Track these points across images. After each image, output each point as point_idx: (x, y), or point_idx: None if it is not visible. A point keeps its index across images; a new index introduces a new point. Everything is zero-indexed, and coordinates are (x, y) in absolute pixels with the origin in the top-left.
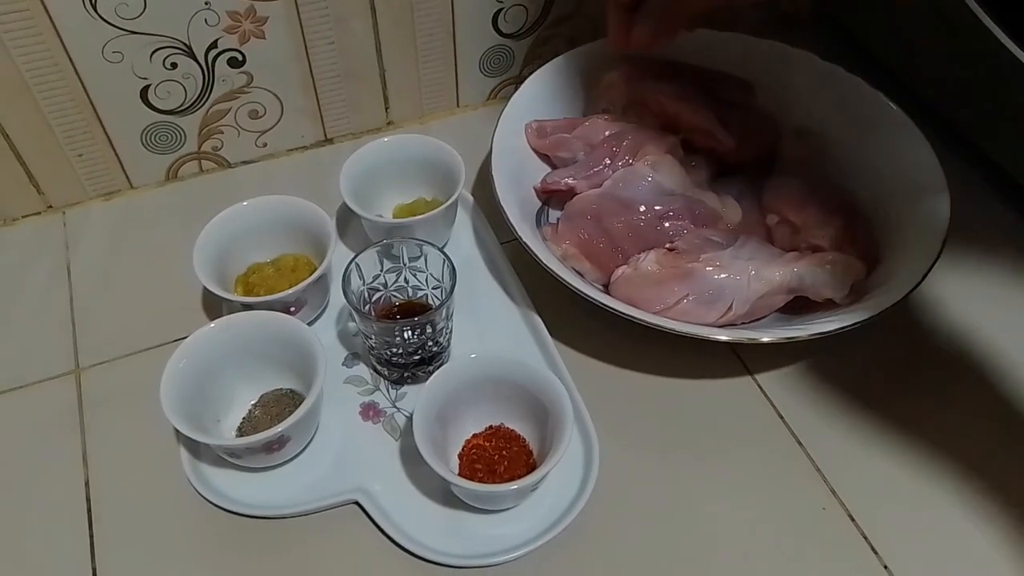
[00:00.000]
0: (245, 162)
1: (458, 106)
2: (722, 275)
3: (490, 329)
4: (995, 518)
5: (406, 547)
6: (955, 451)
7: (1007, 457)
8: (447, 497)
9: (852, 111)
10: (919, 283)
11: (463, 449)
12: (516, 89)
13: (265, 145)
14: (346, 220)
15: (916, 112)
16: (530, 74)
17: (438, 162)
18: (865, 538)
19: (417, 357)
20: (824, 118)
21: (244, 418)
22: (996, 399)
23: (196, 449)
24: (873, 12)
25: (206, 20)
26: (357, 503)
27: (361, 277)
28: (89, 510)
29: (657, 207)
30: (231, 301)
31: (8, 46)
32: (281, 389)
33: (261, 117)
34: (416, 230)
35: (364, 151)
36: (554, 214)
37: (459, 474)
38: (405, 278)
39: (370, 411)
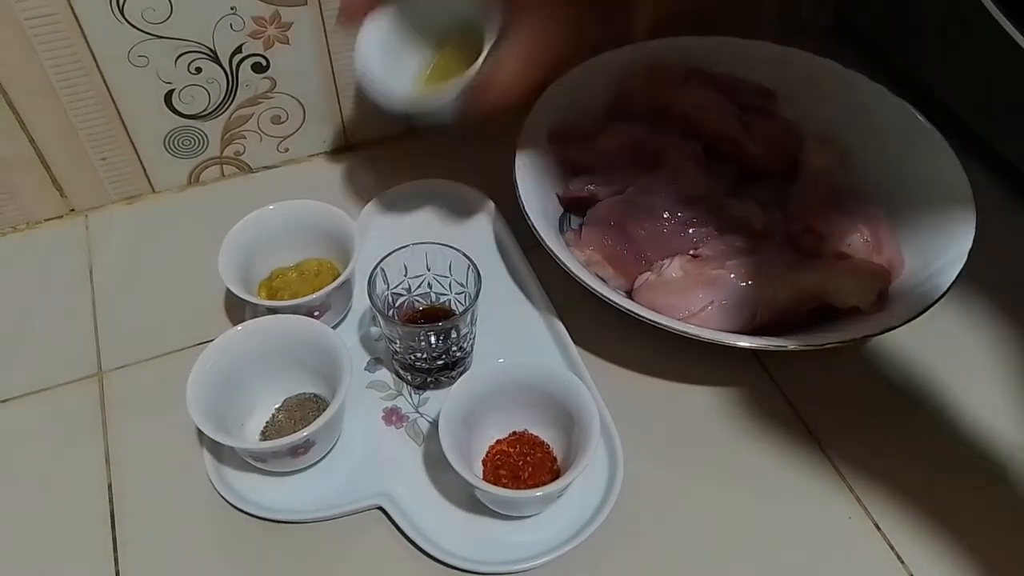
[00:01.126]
0: (267, 167)
1: None
2: (747, 282)
3: (512, 335)
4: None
5: (429, 552)
6: (984, 458)
7: None
8: (471, 503)
9: (875, 119)
10: (946, 291)
11: (487, 455)
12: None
13: (287, 150)
14: (369, 225)
15: (940, 120)
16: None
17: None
18: (892, 548)
19: (441, 362)
20: (847, 126)
21: (268, 422)
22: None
23: (219, 452)
24: (895, 21)
25: (231, 25)
26: (381, 508)
27: (386, 281)
28: (112, 513)
29: (680, 213)
30: (256, 305)
31: (36, 49)
32: (304, 393)
33: (283, 122)
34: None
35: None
36: (576, 221)
37: (483, 480)
38: (429, 283)
39: (393, 416)
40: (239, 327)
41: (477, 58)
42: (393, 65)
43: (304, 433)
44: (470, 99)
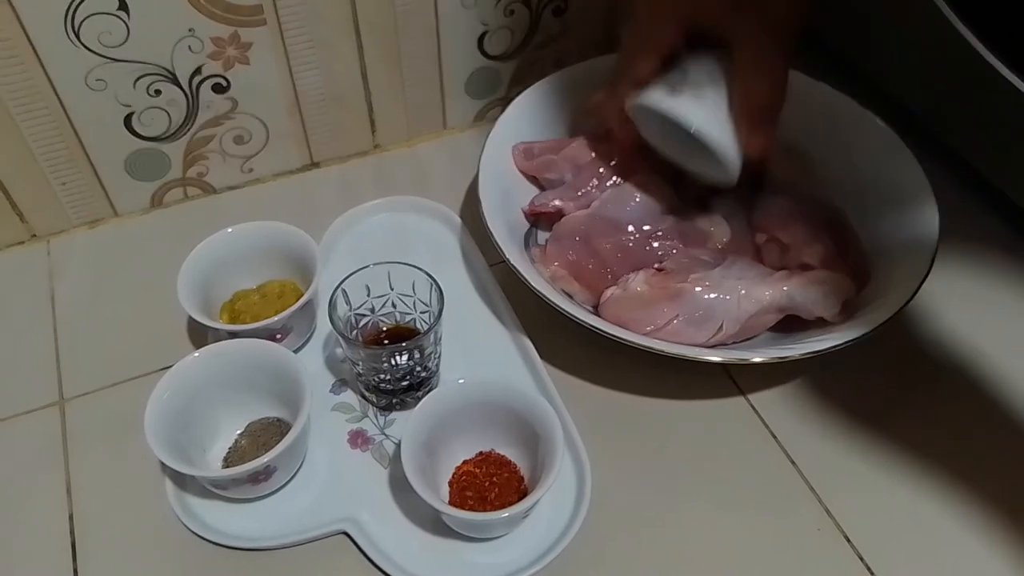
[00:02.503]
0: (231, 188)
1: (445, 128)
2: (712, 295)
3: (479, 353)
4: (992, 534)
5: None
6: (950, 467)
7: (1003, 471)
8: (438, 526)
9: (840, 128)
10: (910, 299)
11: (453, 476)
12: (503, 110)
13: (251, 170)
14: (336, 243)
15: (903, 128)
16: (516, 95)
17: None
18: (861, 558)
19: (405, 383)
20: (812, 136)
21: (230, 448)
22: (990, 412)
23: (182, 480)
24: (860, 30)
25: (190, 47)
26: (346, 533)
27: (348, 303)
28: (73, 544)
29: (646, 227)
30: (216, 329)
31: None
32: (268, 418)
33: (247, 142)
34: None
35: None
36: (543, 236)
37: (449, 502)
38: (392, 303)
39: (358, 439)
40: (196, 353)
41: None
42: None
43: (264, 459)
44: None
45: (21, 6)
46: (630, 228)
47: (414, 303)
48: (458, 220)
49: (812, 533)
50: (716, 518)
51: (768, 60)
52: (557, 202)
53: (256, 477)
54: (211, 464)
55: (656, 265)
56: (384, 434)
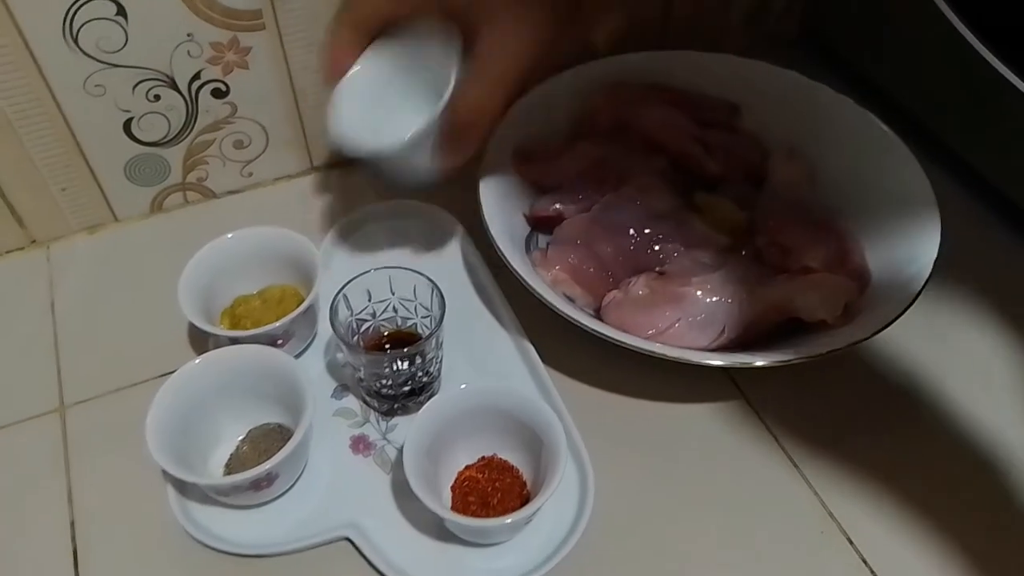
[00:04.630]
0: (231, 192)
1: None
2: (714, 298)
3: (481, 357)
4: (996, 537)
5: None
6: (954, 470)
7: (1008, 473)
8: (440, 531)
9: (840, 131)
10: (912, 302)
11: (455, 481)
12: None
13: (251, 175)
14: (336, 248)
15: (904, 130)
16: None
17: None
18: (864, 561)
19: (407, 388)
20: (812, 138)
21: (232, 454)
22: (997, 412)
23: (183, 487)
24: (860, 32)
25: (189, 52)
26: (348, 539)
27: (349, 308)
28: (75, 551)
29: (646, 230)
30: (217, 335)
31: None
32: (269, 424)
33: (246, 147)
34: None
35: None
36: (543, 240)
37: (452, 507)
38: (394, 307)
39: (360, 444)
40: (197, 360)
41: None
42: (370, 118)
43: (266, 466)
44: (443, 130)
45: (19, 12)
46: (631, 232)
47: (415, 308)
48: (459, 225)
49: (815, 536)
50: (718, 520)
51: (484, 78)
52: (558, 206)
53: (258, 484)
54: (212, 471)
55: (657, 268)
56: (386, 439)
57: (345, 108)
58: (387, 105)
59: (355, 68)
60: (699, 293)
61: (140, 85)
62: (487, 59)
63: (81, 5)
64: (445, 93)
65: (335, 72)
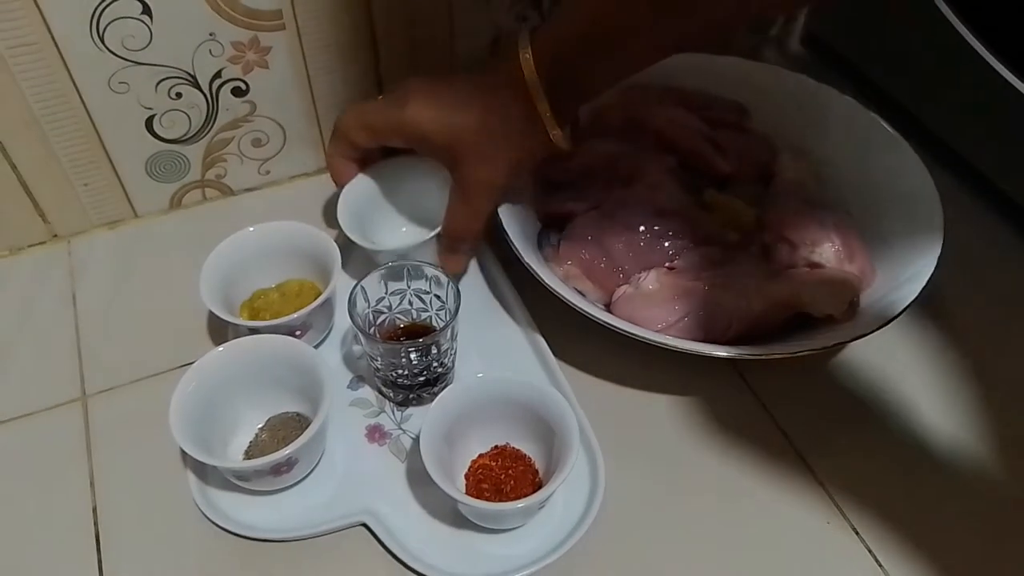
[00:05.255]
0: (248, 189)
1: None
2: (723, 293)
3: (494, 350)
4: (1002, 527)
5: (414, 568)
6: (961, 462)
7: (1015, 464)
8: (454, 517)
9: (845, 131)
10: (916, 297)
11: (469, 469)
12: None
13: (268, 173)
14: (350, 245)
15: (907, 131)
16: None
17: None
18: (870, 551)
19: (422, 379)
20: (818, 138)
21: (251, 442)
22: (999, 408)
23: (204, 473)
24: (863, 34)
25: (211, 51)
26: (365, 525)
27: (366, 300)
28: (97, 536)
29: (656, 227)
30: (237, 325)
31: (17, 78)
32: (287, 412)
33: (264, 145)
34: (418, 255)
35: (358, 181)
36: (555, 236)
37: (466, 494)
38: (409, 300)
39: (376, 433)
40: (220, 348)
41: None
42: (372, 221)
43: (286, 451)
44: (440, 245)
45: (48, 10)
46: (641, 228)
47: (431, 300)
48: None
49: (821, 527)
50: (725, 511)
51: (469, 207)
52: (570, 203)
53: (278, 468)
54: (232, 457)
55: (667, 264)
56: (401, 428)
57: (348, 209)
58: (385, 209)
59: (358, 177)
60: (708, 288)
61: (163, 83)
62: (467, 188)
63: (108, 4)
64: (437, 226)
65: (337, 182)
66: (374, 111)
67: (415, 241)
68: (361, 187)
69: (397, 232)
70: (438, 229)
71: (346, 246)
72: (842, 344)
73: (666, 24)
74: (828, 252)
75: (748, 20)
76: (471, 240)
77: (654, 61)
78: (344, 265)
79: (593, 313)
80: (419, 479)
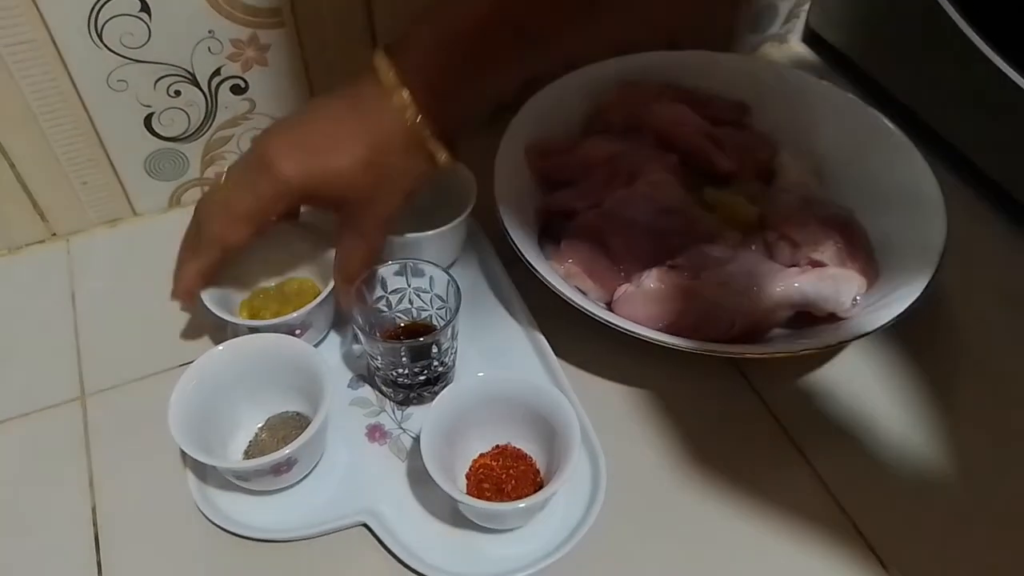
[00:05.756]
0: None
1: None
2: (725, 291)
3: (494, 349)
4: (1006, 529)
5: (414, 568)
6: (965, 461)
7: (1019, 467)
8: (455, 517)
9: (847, 128)
10: (919, 296)
11: (470, 469)
12: (514, 114)
13: None
14: None
15: (910, 128)
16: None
17: (449, 179)
18: (872, 550)
19: (423, 378)
20: (820, 136)
21: (251, 442)
22: (1002, 407)
23: (203, 473)
24: (865, 31)
25: (209, 48)
26: (365, 525)
27: (366, 298)
28: (96, 536)
29: (658, 225)
30: (237, 324)
31: (16, 76)
32: (287, 412)
33: None
34: (425, 247)
35: None
36: (557, 234)
37: (467, 494)
38: (410, 299)
39: (376, 432)
40: (220, 347)
41: None
42: None
43: (286, 451)
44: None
45: (46, 8)
46: (643, 226)
47: (431, 299)
48: (473, 219)
49: (823, 525)
50: (727, 511)
51: (368, 243)
52: (571, 201)
53: (278, 468)
54: (231, 457)
55: (669, 262)
56: (401, 428)
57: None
58: None
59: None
60: (709, 287)
61: (161, 81)
62: (362, 226)
63: (106, 1)
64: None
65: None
66: (236, 198)
67: (416, 236)
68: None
69: (407, 228)
70: (443, 227)
71: None
72: (845, 343)
73: (530, 55)
74: (830, 250)
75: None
76: (360, 277)
77: (521, 80)
78: None
79: (595, 312)
80: (420, 479)
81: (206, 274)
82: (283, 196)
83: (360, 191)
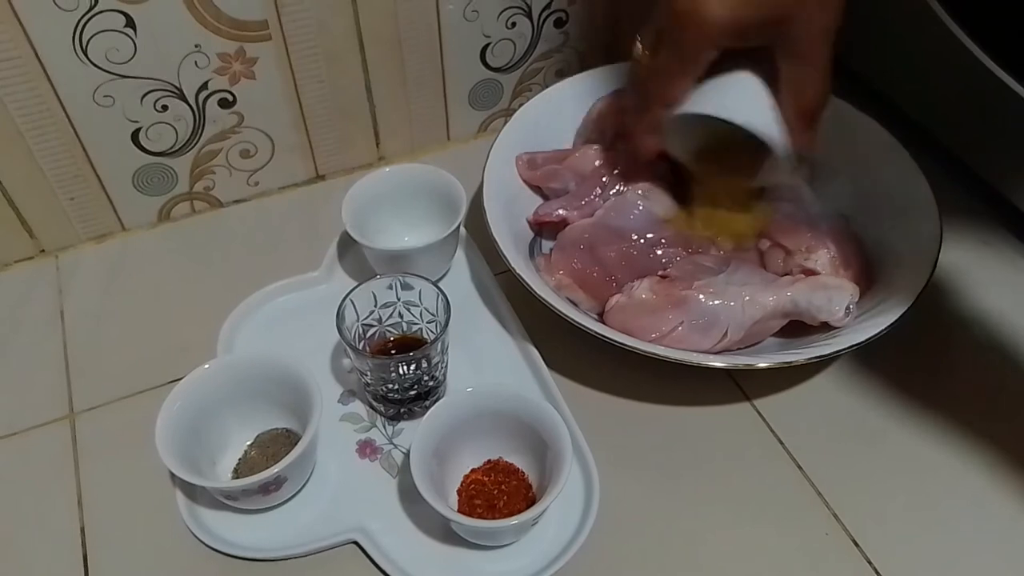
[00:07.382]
0: (237, 201)
1: (449, 140)
2: (716, 301)
3: (486, 362)
4: (1003, 539)
5: None
6: (960, 471)
7: (1015, 475)
8: (447, 534)
9: (840, 134)
10: (913, 304)
11: (461, 485)
12: (506, 121)
13: (257, 184)
14: (338, 256)
15: (903, 134)
16: (520, 106)
17: (439, 190)
18: (869, 562)
19: (413, 392)
20: None
21: (240, 459)
22: (996, 415)
23: (192, 492)
24: (858, 36)
25: (196, 63)
26: (356, 543)
27: (355, 313)
28: (85, 556)
29: (649, 235)
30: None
31: (1, 93)
32: (277, 428)
33: (253, 156)
34: (416, 259)
35: (365, 182)
36: (547, 245)
37: (458, 510)
38: (399, 313)
39: (367, 448)
40: (206, 365)
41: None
42: (372, 224)
43: (275, 470)
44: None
45: (30, 24)
46: (634, 236)
47: (421, 313)
48: (463, 230)
49: (820, 537)
50: (723, 523)
51: (814, 66)
52: (561, 211)
53: (267, 487)
54: (221, 475)
55: (660, 272)
56: (392, 443)
57: (352, 206)
58: (387, 214)
59: (364, 179)
60: (702, 296)
61: (148, 96)
62: (808, 47)
63: (91, 17)
64: None
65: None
66: (689, 47)
67: (406, 248)
68: (365, 189)
69: (399, 240)
70: (434, 239)
71: (344, 249)
72: (839, 353)
73: None
74: (823, 258)
75: None
76: (824, 108)
77: None
78: (332, 276)
79: (586, 324)
80: (411, 495)
81: (658, 128)
82: (713, 40)
83: (790, 6)
